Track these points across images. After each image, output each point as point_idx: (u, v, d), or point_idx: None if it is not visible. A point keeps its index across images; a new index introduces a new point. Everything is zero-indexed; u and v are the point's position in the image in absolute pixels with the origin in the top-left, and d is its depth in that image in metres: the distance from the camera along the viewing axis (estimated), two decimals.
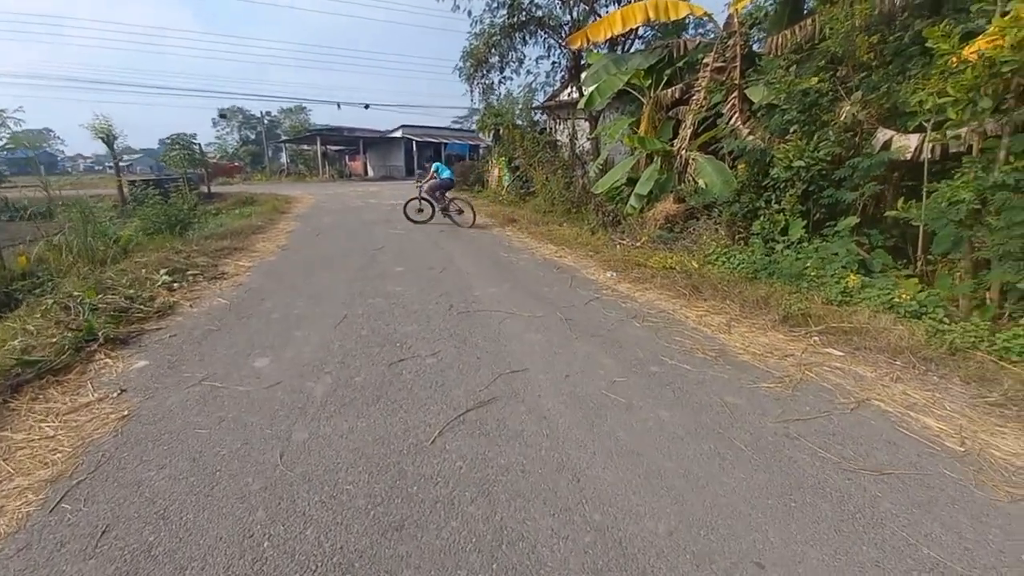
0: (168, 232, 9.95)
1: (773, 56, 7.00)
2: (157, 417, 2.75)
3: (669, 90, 9.07)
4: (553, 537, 1.82)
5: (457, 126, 43.50)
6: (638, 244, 7.75)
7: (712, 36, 9.15)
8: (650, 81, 9.45)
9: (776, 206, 6.21)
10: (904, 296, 4.27)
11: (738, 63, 7.41)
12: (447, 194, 10.60)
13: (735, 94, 7.37)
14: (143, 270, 6.16)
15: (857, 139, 5.75)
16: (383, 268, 6.45)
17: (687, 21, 11.26)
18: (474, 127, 25.37)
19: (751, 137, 6.78)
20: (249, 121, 48.56)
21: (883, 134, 5.44)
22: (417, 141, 34.95)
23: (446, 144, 37.03)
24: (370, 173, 36.29)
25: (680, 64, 9.02)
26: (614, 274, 6.21)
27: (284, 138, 41.80)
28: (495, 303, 4.88)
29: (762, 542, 1.80)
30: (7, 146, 8.87)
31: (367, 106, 33.41)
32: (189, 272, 6.29)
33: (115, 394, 3.03)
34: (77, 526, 1.92)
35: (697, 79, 8.11)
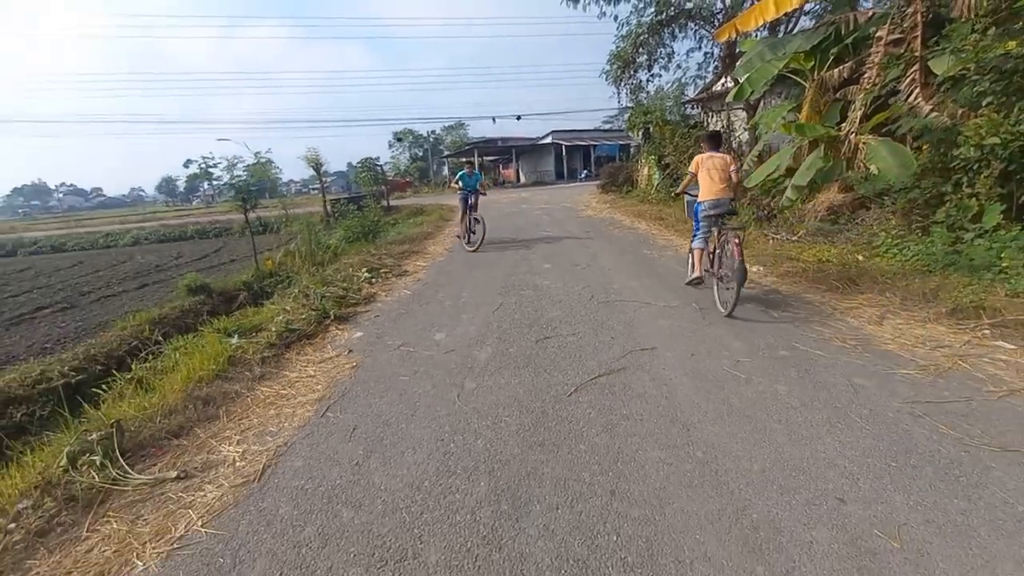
0: (363, 239, 12.22)
1: (964, 20, 6.16)
2: (374, 368, 3.82)
3: (835, 70, 8.37)
4: (659, 463, 2.29)
5: (608, 126, 43.52)
6: (794, 238, 7.40)
7: (888, 4, 8.21)
8: (813, 63, 8.81)
9: (968, 190, 5.52)
10: None
11: (919, 32, 6.65)
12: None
13: (915, 67, 6.63)
14: (350, 269, 7.86)
15: None
16: (533, 265, 7.27)
17: None
18: (623, 127, 25.44)
19: (935, 114, 6.08)
20: (418, 140, 54.92)
21: None
22: (566, 146, 36.01)
23: (595, 146, 37.46)
24: (522, 180, 38.41)
25: (848, 40, 8.26)
26: (760, 268, 6.13)
27: (446, 153, 46.41)
28: (632, 294, 5.31)
29: (850, 486, 2.03)
30: (256, 177, 11.72)
31: (519, 117, 35.72)
32: (381, 270, 7.85)
33: (346, 352, 4.22)
34: (337, 425, 2.95)
35: (869, 55, 7.42)
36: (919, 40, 6.61)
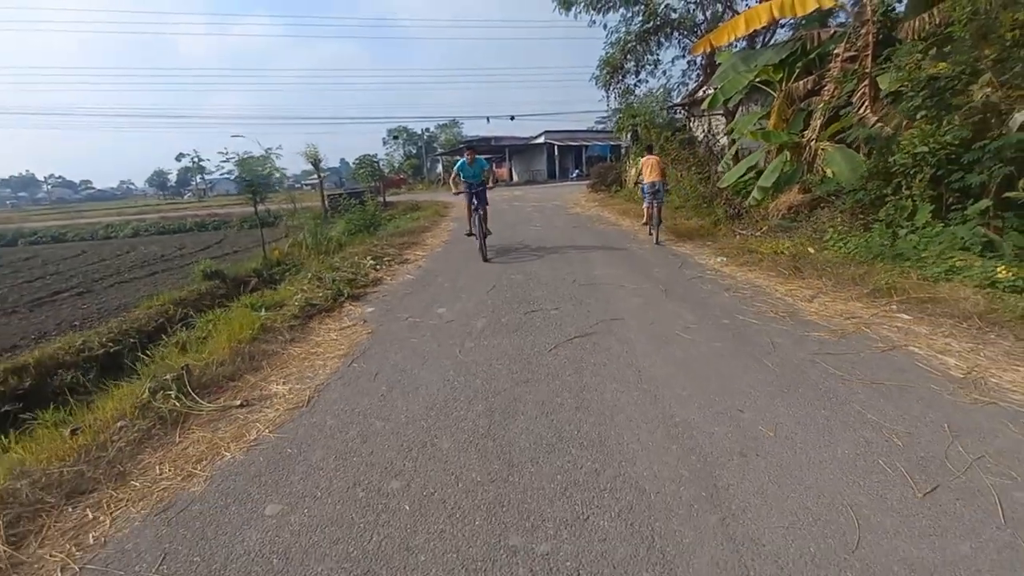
0: (364, 232, 12.88)
1: (910, 41, 6.98)
2: (387, 333, 4.53)
3: (801, 82, 9.19)
4: (615, 391, 3.03)
5: (601, 126, 44.35)
6: (757, 234, 8.19)
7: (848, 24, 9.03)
8: (781, 75, 9.62)
9: (905, 192, 6.32)
10: (1005, 273, 4.43)
11: (871, 50, 7.47)
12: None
13: (866, 82, 7.44)
14: (356, 257, 8.53)
15: (993, 120, 5.69)
16: (522, 255, 8.00)
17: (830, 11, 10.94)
18: (613, 128, 26.27)
19: (880, 125, 6.89)
20: (412, 138, 55.43)
21: (1022, 114, 5.37)
22: (559, 145, 36.75)
23: (587, 146, 38.26)
24: (514, 178, 39.12)
25: (813, 55, 9.08)
26: (724, 259, 6.92)
27: (440, 151, 46.98)
28: (610, 279, 6.06)
29: (750, 403, 2.79)
30: (267, 171, 12.30)
31: (512, 117, 36.25)
32: (384, 258, 8.53)
33: (362, 322, 4.92)
34: (362, 371, 3.65)
35: (829, 70, 8.23)
36: (870, 58, 7.43)
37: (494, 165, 44.67)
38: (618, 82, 18.07)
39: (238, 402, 3.27)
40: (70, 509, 2.28)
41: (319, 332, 4.73)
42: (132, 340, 6.33)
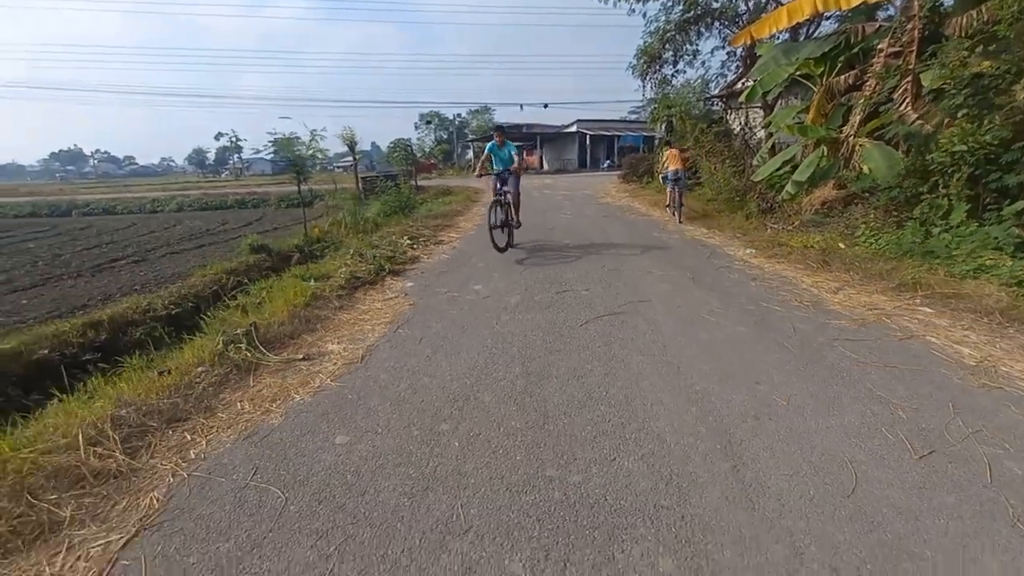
0: (398, 214, 13.29)
1: (957, 38, 6.89)
2: (427, 306, 4.88)
3: (842, 77, 9.10)
4: (640, 363, 3.30)
5: (635, 116, 43.83)
6: (789, 228, 8.23)
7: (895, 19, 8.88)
8: (823, 69, 9.54)
9: (942, 191, 6.33)
10: None
11: (915, 46, 7.39)
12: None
13: (909, 78, 7.38)
14: (393, 236, 8.93)
15: None
16: (554, 241, 8.25)
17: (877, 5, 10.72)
18: (647, 119, 26.02)
19: (919, 122, 6.86)
20: (443, 123, 55.79)
21: None
22: (591, 135, 36.57)
23: (619, 136, 37.96)
24: (544, 167, 39.11)
25: (856, 50, 8.97)
26: (753, 251, 7.04)
27: (471, 137, 47.22)
28: (638, 266, 6.27)
29: (767, 378, 3.02)
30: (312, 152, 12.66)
31: (546, 105, 36.32)
32: (420, 239, 8.90)
33: (403, 295, 5.28)
34: (408, 336, 4.01)
35: (871, 65, 8.16)
36: (914, 54, 7.36)
37: (525, 152, 44.85)
38: (655, 72, 17.97)
39: (300, 356, 3.66)
40: (170, 432, 2.69)
41: (364, 302, 5.12)
42: (191, 304, 6.87)
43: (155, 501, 2.13)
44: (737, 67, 15.89)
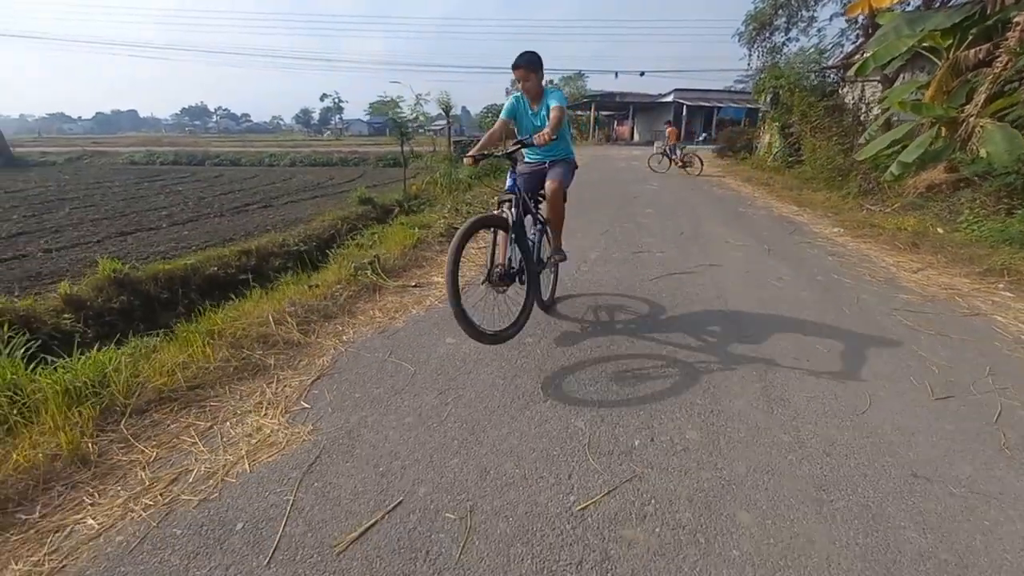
0: (489, 176, 14.02)
1: None
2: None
3: (971, 51, 8.35)
4: (704, 314, 3.76)
5: (741, 86, 41.06)
6: (887, 210, 7.94)
7: None
8: (951, 41, 8.78)
9: None
10: None
11: None
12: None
13: None
14: (484, 196, 9.69)
15: None
16: (635, 209, 8.59)
17: None
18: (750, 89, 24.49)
19: None
20: None
21: None
22: (688, 105, 34.99)
23: (719, 108, 35.96)
24: (635, 138, 38.09)
25: (991, 22, 8.16)
26: (840, 230, 6.98)
27: None
28: (716, 236, 6.53)
29: (815, 331, 3.38)
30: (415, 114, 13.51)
31: (642, 73, 35.38)
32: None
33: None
34: None
35: (1006, 39, 7.47)
36: None
37: (616, 122, 43.66)
38: (764, 40, 16.99)
39: (413, 283, 4.50)
40: (326, 323, 3.60)
41: (475, 246, 5.89)
42: (314, 244, 8.09)
43: (325, 362, 3.01)
44: (858, 36, 14.64)
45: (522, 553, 1.61)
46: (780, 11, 15.53)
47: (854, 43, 14.96)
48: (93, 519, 1.76)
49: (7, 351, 2.93)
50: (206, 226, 10.60)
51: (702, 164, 14.80)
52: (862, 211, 8.14)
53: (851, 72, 10.36)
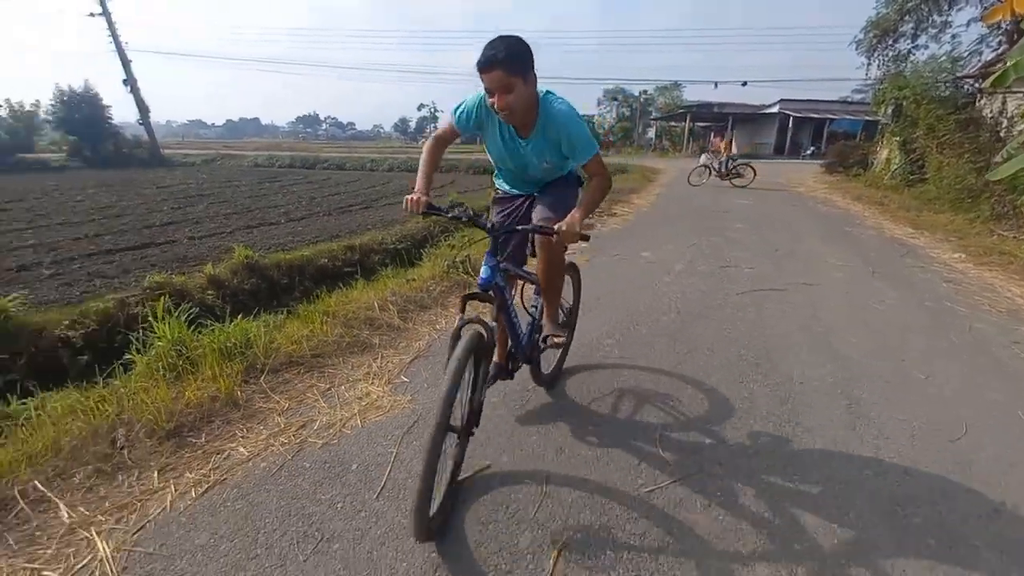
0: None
1: None
2: (599, 263, 5.69)
3: None
4: (788, 327, 3.68)
5: (860, 96, 37.80)
6: (1022, 237, 7.07)
7: None
8: None
9: None
10: None
11: None
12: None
13: None
14: None
15: None
16: (726, 223, 8.36)
17: None
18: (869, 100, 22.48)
19: None
20: (627, 100, 54.64)
21: None
22: (795, 116, 32.90)
23: (831, 120, 33.40)
24: (733, 150, 36.30)
25: None
26: (962, 255, 6.34)
27: (654, 115, 45.77)
28: (815, 254, 6.23)
29: (916, 357, 3.20)
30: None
31: (745, 83, 33.49)
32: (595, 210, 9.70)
33: (578, 253, 6.18)
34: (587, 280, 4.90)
35: None
36: None
37: (713, 134, 41.89)
38: (886, 47, 15.65)
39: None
40: (422, 312, 4.00)
41: None
42: (410, 243, 8.74)
43: (421, 345, 3.37)
44: (1000, 43, 13.07)
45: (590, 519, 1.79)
46: (907, 16, 14.24)
47: (995, 50, 13.36)
48: (244, 448, 2.20)
49: (176, 315, 3.60)
50: (316, 223, 11.77)
51: (755, 174, 14.29)
52: (992, 236, 7.31)
53: (987, 83, 9.29)
